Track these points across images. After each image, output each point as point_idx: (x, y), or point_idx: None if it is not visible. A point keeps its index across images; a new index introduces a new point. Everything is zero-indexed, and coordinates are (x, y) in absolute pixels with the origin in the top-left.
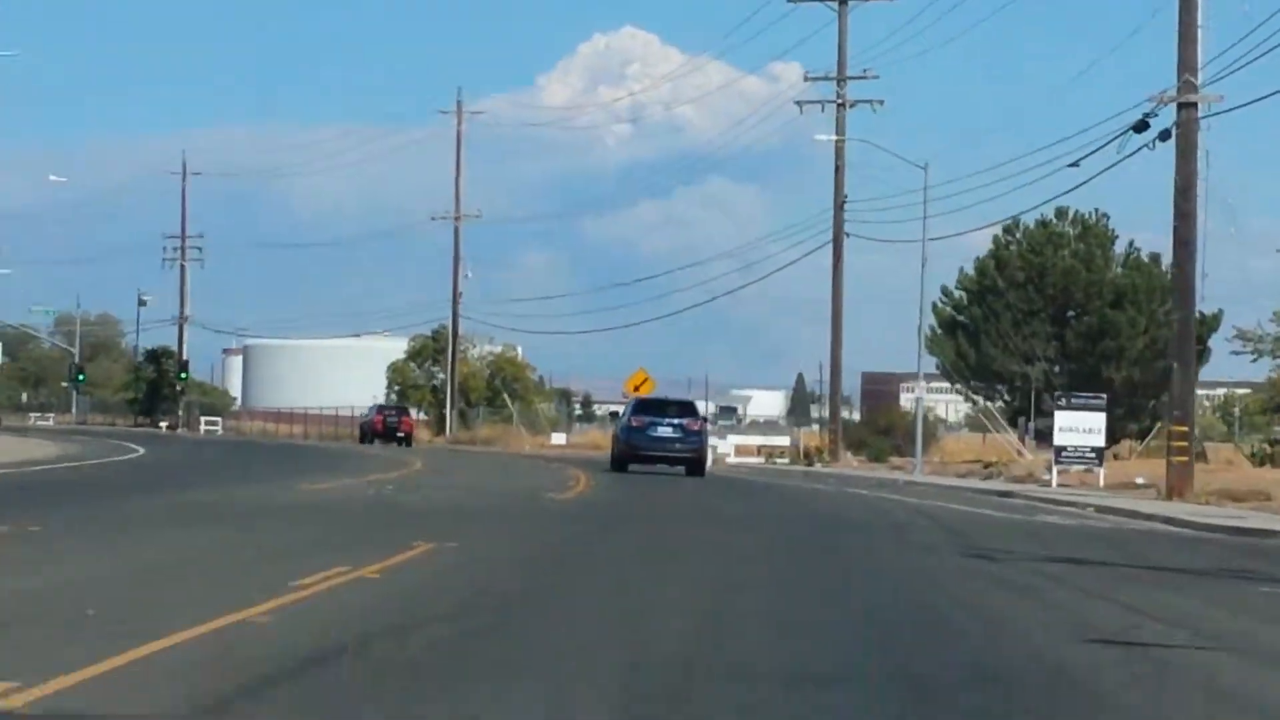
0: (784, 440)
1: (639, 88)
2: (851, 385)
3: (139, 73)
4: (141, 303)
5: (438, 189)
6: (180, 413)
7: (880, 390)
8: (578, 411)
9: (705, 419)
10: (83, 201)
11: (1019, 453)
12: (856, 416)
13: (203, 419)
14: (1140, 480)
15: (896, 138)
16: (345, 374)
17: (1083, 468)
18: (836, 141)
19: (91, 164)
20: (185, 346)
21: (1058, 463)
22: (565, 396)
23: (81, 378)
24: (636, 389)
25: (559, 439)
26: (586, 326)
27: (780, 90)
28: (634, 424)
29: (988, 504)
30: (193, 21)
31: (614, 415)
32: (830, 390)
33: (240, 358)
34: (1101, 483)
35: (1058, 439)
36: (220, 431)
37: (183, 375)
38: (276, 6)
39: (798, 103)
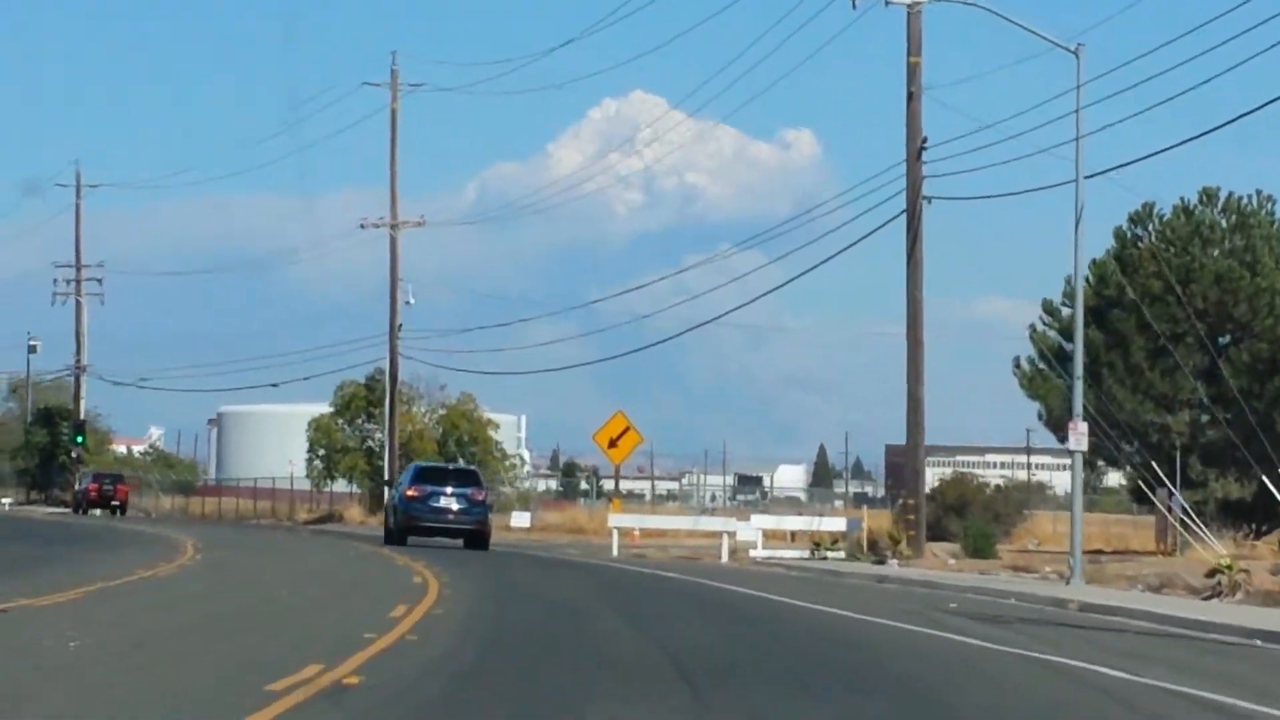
0: (836, 524)
1: (650, 154)
2: (873, 460)
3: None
4: (30, 349)
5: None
6: (77, 485)
7: (903, 463)
8: (582, 487)
9: (488, 489)
10: None
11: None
12: (880, 494)
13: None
14: None
15: None
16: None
17: None
18: (912, 7)
19: None
20: (83, 403)
21: None
22: (570, 470)
23: None
24: (613, 443)
25: (520, 520)
26: (597, 398)
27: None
28: (412, 494)
29: None
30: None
31: (387, 484)
32: (908, 443)
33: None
34: None
35: None
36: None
37: (80, 438)
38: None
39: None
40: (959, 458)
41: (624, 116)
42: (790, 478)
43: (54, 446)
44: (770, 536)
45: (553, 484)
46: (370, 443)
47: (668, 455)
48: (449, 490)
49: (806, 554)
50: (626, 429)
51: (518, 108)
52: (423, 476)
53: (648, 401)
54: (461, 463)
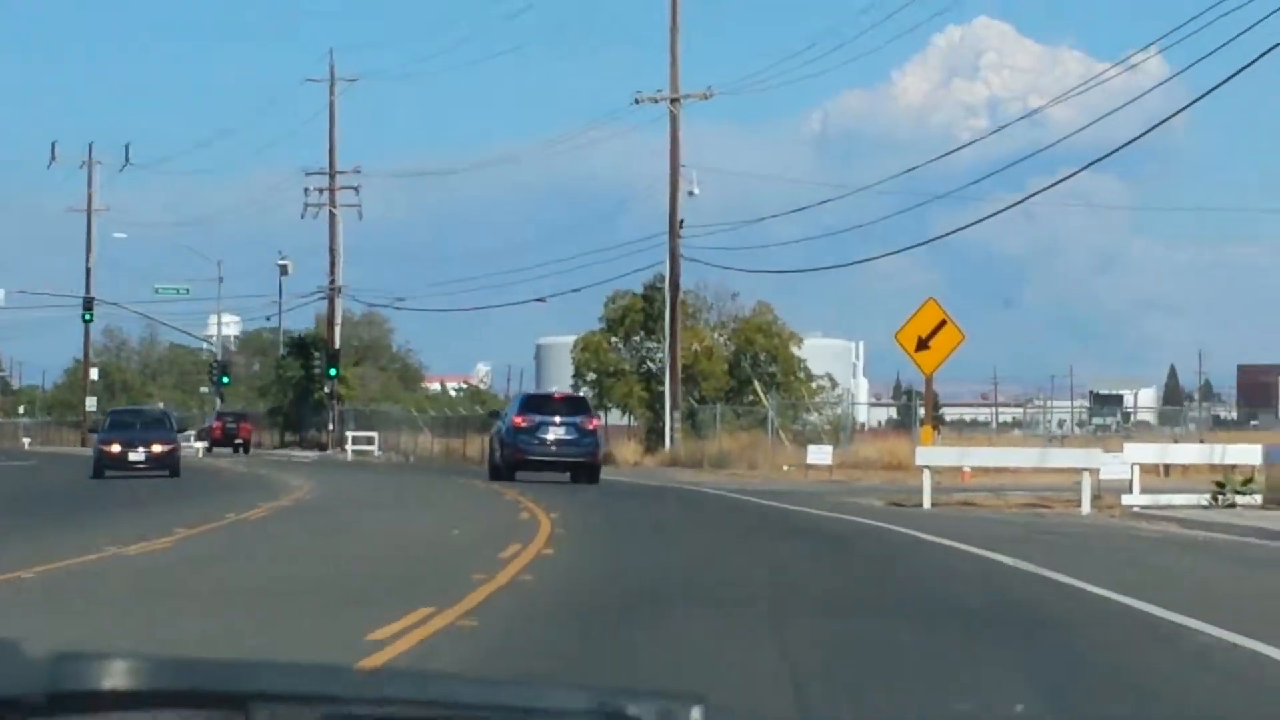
0: (1246, 453)
1: (995, 80)
2: (1223, 380)
3: None
4: (281, 269)
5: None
6: (331, 426)
7: (1261, 384)
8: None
9: (596, 417)
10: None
11: None
12: (1234, 415)
13: (350, 435)
14: None
15: None
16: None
17: None
18: None
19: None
20: (338, 330)
21: None
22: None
23: (225, 379)
24: (923, 343)
25: (819, 455)
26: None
27: None
28: (520, 424)
29: None
30: None
31: (494, 415)
32: None
33: None
34: None
35: None
36: (378, 453)
37: (332, 371)
38: None
39: None
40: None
41: (968, 43)
42: (1140, 401)
43: (309, 381)
44: (1150, 475)
45: (892, 413)
46: (650, 364)
47: (1012, 382)
48: (558, 419)
49: (1204, 500)
50: (942, 322)
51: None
52: (530, 406)
53: (990, 327)
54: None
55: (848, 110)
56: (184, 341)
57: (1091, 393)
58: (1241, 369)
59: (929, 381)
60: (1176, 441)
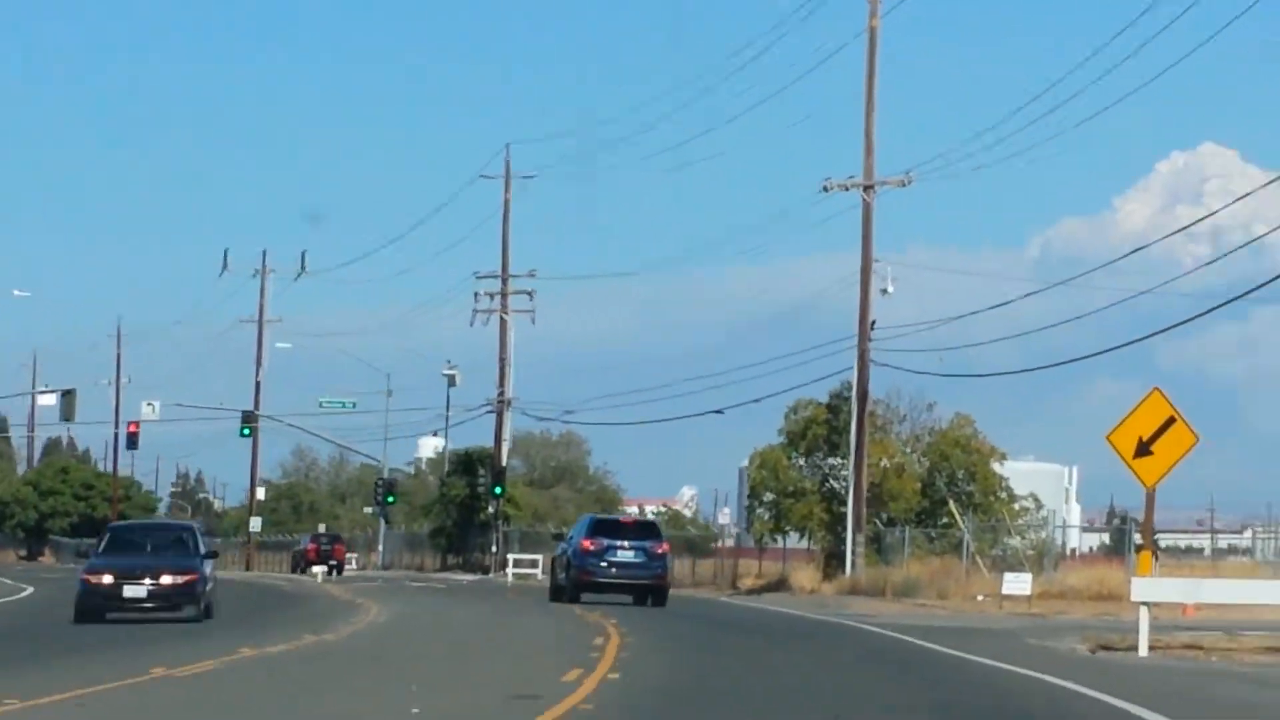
0: None
1: (1217, 206)
2: None
3: None
4: (449, 380)
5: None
6: (494, 548)
7: None
8: (1135, 540)
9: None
10: None
11: None
12: None
13: (511, 558)
14: None
15: None
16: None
17: None
18: None
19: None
20: (505, 445)
21: None
22: (1123, 523)
23: (390, 499)
24: (1145, 447)
25: (1017, 585)
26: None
27: None
28: (589, 547)
29: None
30: None
31: (557, 538)
32: None
33: None
34: None
35: None
36: (541, 575)
37: (497, 490)
38: None
39: None
40: None
41: (1192, 169)
42: None
43: (474, 500)
44: None
45: (1104, 538)
46: (833, 483)
47: (1228, 509)
48: (626, 544)
49: None
50: (1170, 420)
51: (1080, 162)
52: (600, 529)
53: (1205, 452)
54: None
55: (1064, 230)
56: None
57: None
58: None
59: (1150, 497)
60: None
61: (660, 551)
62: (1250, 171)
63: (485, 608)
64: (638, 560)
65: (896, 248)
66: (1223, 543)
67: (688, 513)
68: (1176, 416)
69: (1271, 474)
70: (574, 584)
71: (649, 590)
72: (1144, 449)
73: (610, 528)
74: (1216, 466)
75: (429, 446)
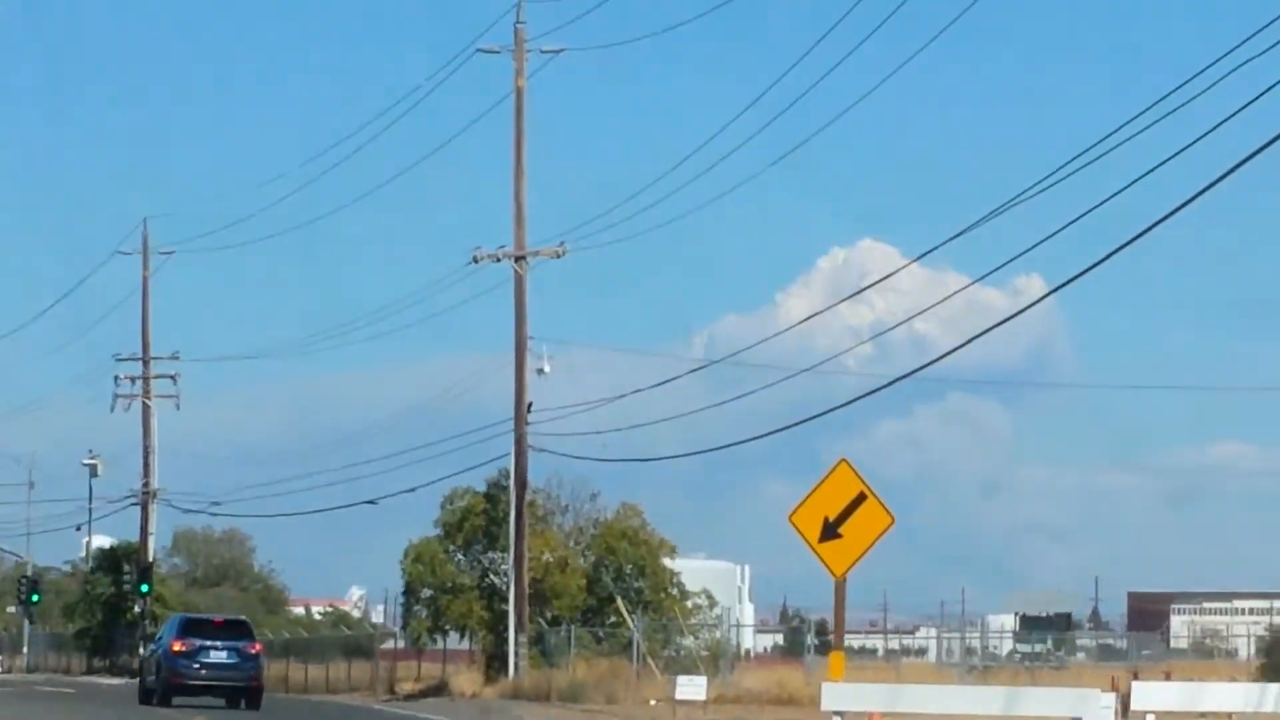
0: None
1: (880, 303)
2: (1113, 609)
3: None
4: (92, 471)
5: None
6: (141, 649)
7: (1151, 612)
8: (813, 642)
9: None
10: None
11: None
12: (1123, 644)
13: None
14: None
15: None
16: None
17: None
18: None
19: None
20: (151, 540)
21: None
22: (799, 623)
23: (35, 598)
24: (831, 528)
25: (691, 689)
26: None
27: None
28: (179, 648)
29: None
30: None
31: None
32: None
33: None
34: None
35: None
36: None
37: (144, 587)
38: None
39: None
40: (1204, 605)
41: (852, 264)
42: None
43: (120, 598)
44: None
45: (778, 638)
46: (494, 578)
47: (900, 612)
48: (218, 644)
49: None
50: (862, 498)
51: (744, 258)
52: (189, 629)
53: (874, 550)
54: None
55: (725, 325)
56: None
57: (1020, 615)
58: (1132, 595)
59: (840, 588)
60: (1137, 675)
61: (253, 652)
62: (911, 268)
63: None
64: (230, 661)
65: (554, 325)
66: (894, 643)
67: (356, 613)
68: (868, 493)
69: (941, 573)
70: (165, 687)
71: (241, 693)
72: (831, 531)
73: (201, 628)
74: (886, 565)
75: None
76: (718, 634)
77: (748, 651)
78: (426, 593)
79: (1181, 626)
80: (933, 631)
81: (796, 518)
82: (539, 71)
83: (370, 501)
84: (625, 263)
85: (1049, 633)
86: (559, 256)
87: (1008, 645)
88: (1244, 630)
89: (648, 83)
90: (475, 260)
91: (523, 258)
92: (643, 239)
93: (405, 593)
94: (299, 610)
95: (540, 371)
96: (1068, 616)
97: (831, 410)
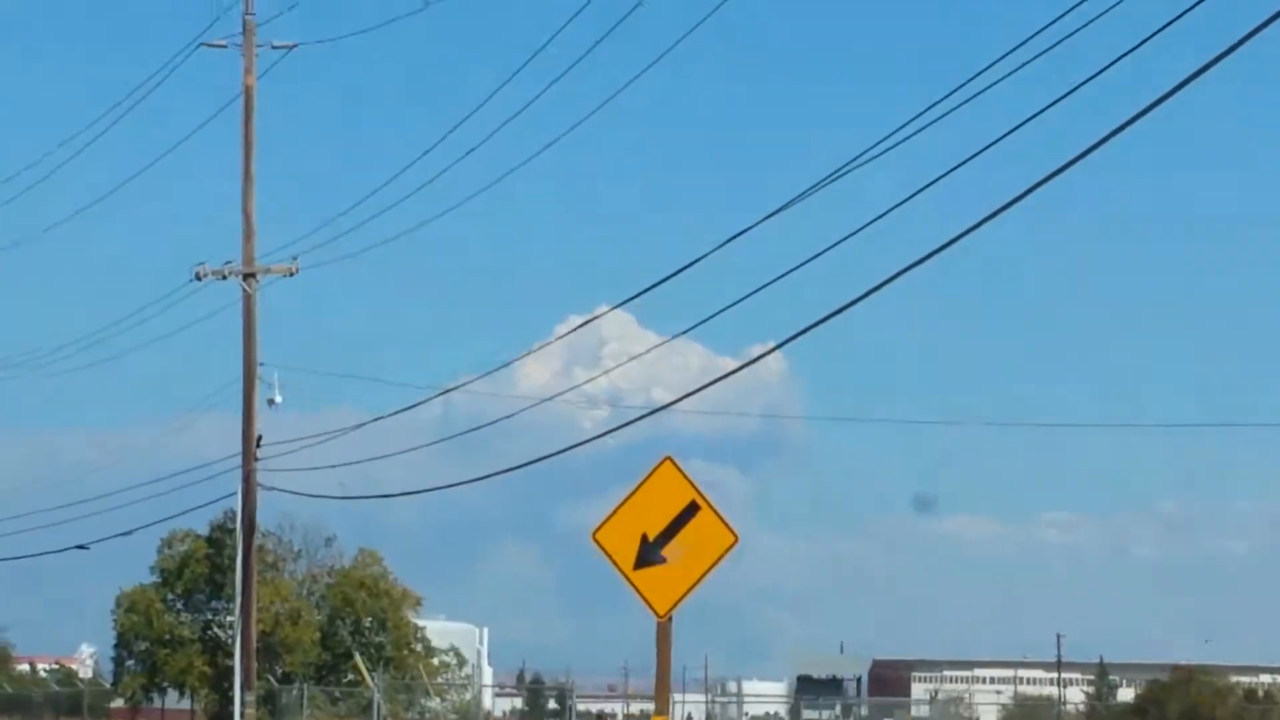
0: None
1: (616, 371)
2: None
3: None
4: None
5: None
6: None
7: (890, 678)
8: (551, 706)
9: None
10: None
11: None
12: (865, 711)
13: None
14: None
15: None
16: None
17: None
18: None
19: None
20: None
21: None
22: (535, 684)
23: None
24: (651, 551)
25: None
26: (563, 618)
27: None
28: None
29: None
30: None
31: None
32: None
33: None
34: None
35: None
36: None
37: None
38: None
39: None
40: (945, 673)
41: (589, 331)
42: (765, 691)
43: None
44: None
45: (517, 703)
46: (218, 630)
47: (637, 675)
48: None
49: None
50: (694, 508)
51: (484, 323)
52: None
53: (604, 615)
54: None
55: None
56: None
57: (803, 678)
58: (876, 663)
59: (664, 629)
60: None
61: None
62: (647, 336)
63: None
64: None
65: (287, 350)
66: (635, 708)
67: (86, 672)
68: (702, 502)
69: (680, 638)
70: None
71: None
72: (652, 554)
73: None
74: (621, 627)
75: None
76: (467, 695)
77: (487, 714)
78: (142, 645)
79: (923, 694)
80: (678, 696)
81: (603, 535)
82: (271, 70)
83: (82, 546)
84: (360, 281)
85: (835, 697)
86: (292, 275)
87: (762, 710)
88: (988, 698)
89: (388, 79)
90: (198, 277)
91: (251, 275)
92: (373, 254)
93: (117, 646)
94: (23, 668)
95: (271, 401)
96: (840, 682)
97: (562, 451)
